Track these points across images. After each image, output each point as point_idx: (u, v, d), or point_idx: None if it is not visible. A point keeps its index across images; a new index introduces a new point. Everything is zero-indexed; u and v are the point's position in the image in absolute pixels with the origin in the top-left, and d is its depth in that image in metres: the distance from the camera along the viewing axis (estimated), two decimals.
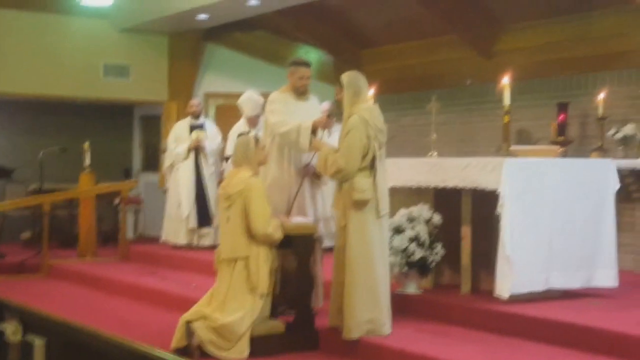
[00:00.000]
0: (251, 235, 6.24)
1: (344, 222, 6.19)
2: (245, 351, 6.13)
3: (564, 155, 8.62)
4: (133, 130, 14.91)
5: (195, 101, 11.32)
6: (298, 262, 6.44)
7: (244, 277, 6.23)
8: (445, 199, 7.27)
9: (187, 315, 6.25)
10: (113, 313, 8.12)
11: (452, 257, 7.15)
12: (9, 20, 12.23)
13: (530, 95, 9.69)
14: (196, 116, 11.13)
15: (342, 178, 6.17)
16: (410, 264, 6.90)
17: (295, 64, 7.14)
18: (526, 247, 6.49)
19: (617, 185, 7.06)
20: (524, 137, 9.79)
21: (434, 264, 6.99)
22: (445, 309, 6.74)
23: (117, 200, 12.38)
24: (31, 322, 4.55)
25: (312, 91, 7.30)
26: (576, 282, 6.82)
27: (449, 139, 10.53)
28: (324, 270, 6.95)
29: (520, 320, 6.17)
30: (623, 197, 7.35)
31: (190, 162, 10.90)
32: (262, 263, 6.25)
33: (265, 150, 6.63)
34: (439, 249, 6.96)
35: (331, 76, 12.12)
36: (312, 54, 12.43)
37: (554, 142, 9.20)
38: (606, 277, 6.93)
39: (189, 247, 10.79)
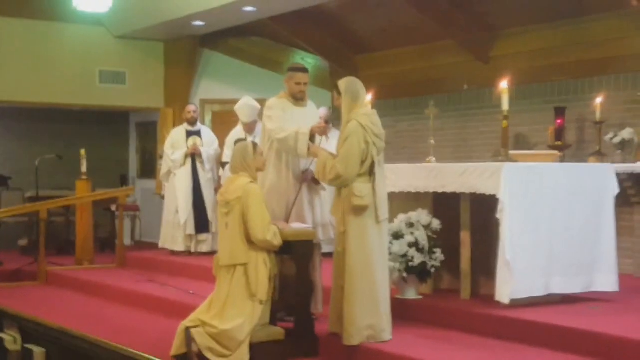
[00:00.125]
0: (250, 241, 6.21)
1: (343, 228, 6.17)
2: (245, 358, 6.08)
3: (562, 160, 8.63)
4: (129, 136, 14.90)
5: (192, 107, 11.30)
6: (297, 268, 6.42)
7: (243, 284, 6.19)
8: (443, 205, 7.26)
9: (186, 322, 6.22)
10: (111, 320, 8.08)
11: (451, 262, 7.14)
12: (4, 27, 12.23)
13: (527, 100, 9.70)
14: (193, 122, 11.12)
15: (341, 184, 6.16)
16: (410, 270, 6.89)
17: (292, 70, 7.11)
18: (526, 252, 6.48)
19: (617, 190, 7.06)
20: (521, 142, 9.80)
21: (433, 269, 6.98)
22: (445, 314, 6.73)
23: (114, 207, 12.36)
24: (31, 331, 4.53)
25: (309, 97, 7.28)
26: (576, 286, 6.82)
27: (446, 144, 10.53)
28: (323, 276, 6.95)
29: (520, 325, 6.15)
30: (621, 201, 7.35)
31: (187, 168, 10.89)
32: (262, 269, 6.21)
33: (264, 157, 6.61)
34: (439, 255, 6.95)
35: (327, 82, 12.16)
36: (308, 60, 12.44)
37: (552, 147, 9.20)
38: (606, 281, 6.92)
39: (187, 253, 10.77)
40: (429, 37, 10.90)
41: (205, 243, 10.81)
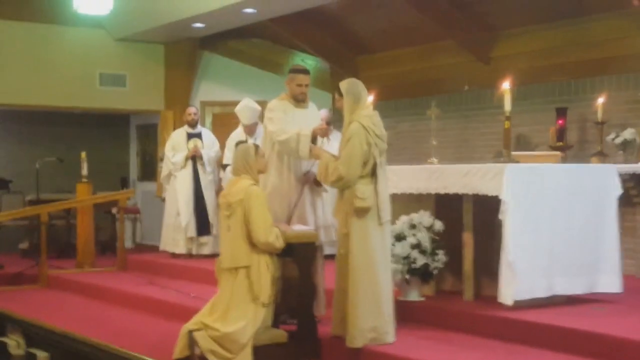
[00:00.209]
0: (252, 244, 6.20)
1: (346, 230, 6.15)
2: None
3: (563, 160, 8.61)
4: (129, 139, 14.88)
5: (193, 109, 11.28)
6: (300, 271, 6.40)
7: (245, 287, 6.17)
8: (445, 206, 7.24)
9: (189, 325, 6.20)
10: (113, 323, 8.07)
11: (453, 263, 7.11)
12: (4, 30, 12.22)
13: (529, 100, 9.69)
14: (193, 124, 11.10)
15: (343, 186, 6.14)
16: (412, 271, 6.87)
17: (293, 71, 7.09)
18: (529, 253, 6.46)
19: (620, 191, 7.04)
20: (523, 143, 9.78)
21: (436, 270, 6.95)
22: (448, 315, 6.71)
23: (114, 210, 12.34)
24: (34, 335, 4.50)
25: (309, 98, 7.26)
26: (580, 288, 6.79)
27: (447, 144, 10.51)
28: (325, 278, 6.92)
29: (524, 327, 6.13)
30: (624, 201, 7.32)
31: (188, 170, 10.86)
32: (264, 272, 6.19)
33: (265, 159, 6.59)
34: (441, 256, 6.93)
35: (327, 83, 12.15)
36: (309, 61, 12.42)
37: (553, 148, 9.18)
38: (610, 283, 6.90)
39: (188, 256, 10.75)
40: (429, 37, 10.89)
41: (206, 245, 10.79)
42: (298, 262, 6.41)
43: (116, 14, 11.46)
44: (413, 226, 6.98)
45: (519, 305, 6.41)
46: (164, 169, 11.12)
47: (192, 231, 10.72)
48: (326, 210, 7.03)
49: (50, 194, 12.36)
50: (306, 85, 6.96)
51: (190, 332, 6.12)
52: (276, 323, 6.43)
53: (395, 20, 10.96)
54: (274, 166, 6.81)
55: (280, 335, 6.30)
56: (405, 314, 6.74)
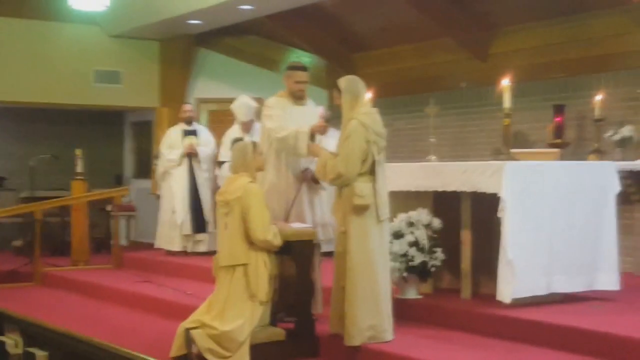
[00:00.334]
0: (250, 241, 6.17)
1: (344, 228, 6.11)
2: (246, 359, 6.04)
3: (561, 157, 8.58)
4: (124, 136, 14.82)
5: (189, 106, 11.24)
6: (298, 269, 6.37)
7: (243, 285, 6.15)
8: (443, 203, 7.21)
9: (186, 323, 6.17)
10: (109, 321, 8.03)
11: (450, 261, 7.08)
12: None
13: (526, 97, 9.64)
14: (189, 122, 11.05)
15: (342, 183, 6.10)
16: (410, 269, 6.83)
17: (291, 68, 7.06)
18: (528, 251, 6.44)
19: (618, 188, 7.02)
20: (520, 140, 9.74)
21: (434, 268, 6.92)
22: (446, 314, 6.68)
23: (109, 207, 12.29)
24: (32, 334, 4.45)
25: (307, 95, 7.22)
26: (578, 285, 6.77)
27: (444, 142, 10.48)
28: (322, 276, 6.88)
29: (523, 325, 6.10)
30: (622, 199, 7.30)
31: (184, 168, 10.82)
32: (262, 270, 6.17)
33: (263, 156, 6.55)
34: (439, 254, 6.90)
35: (323, 80, 12.10)
36: (305, 59, 12.36)
37: (551, 145, 9.17)
38: (608, 280, 6.88)
39: (184, 253, 10.70)
40: (427, 35, 10.85)
41: (202, 243, 10.74)
42: (296, 260, 6.38)
43: (111, 10, 11.39)
44: (411, 224, 6.95)
45: (517, 303, 6.38)
46: (160, 166, 11.07)
47: (187, 229, 10.67)
48: (324, 208, 7.01)
49: (44, 192, 12.31)
50: (304, 82, 6.94)
51: (188, 330, 6.09)
52: (273, 321, 6.40)
53: (392, 17, 10.92)
54: (271, 164, 6.79)
55: (278, 333, 6.28)
56: (403, 312, 6.70)
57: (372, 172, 6.09)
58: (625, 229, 8.30)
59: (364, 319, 6.00)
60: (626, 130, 8.67)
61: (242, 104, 9.97)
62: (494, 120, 9.97)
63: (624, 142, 8.68)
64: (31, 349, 4.34)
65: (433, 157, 7.66)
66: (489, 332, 6.27)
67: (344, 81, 6.26)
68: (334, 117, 6.79)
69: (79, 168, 11.34)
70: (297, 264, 6.39)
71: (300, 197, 6.81)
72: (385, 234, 6.25)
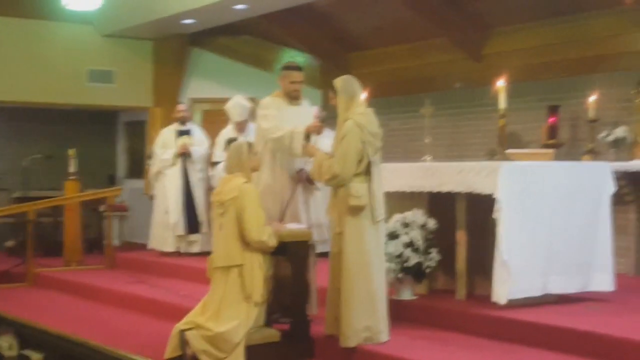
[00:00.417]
0: (245, 242, 6.14)
1: (340, 229, 6.09)
2: None
3: (555, 158, 8.57)
4: (117, 136, 14.77)
5: (183, 106, 11.21)
6: (293, 269, 6.34)
7: (238, 286, 6.12)
8: (438, 204, 7.20)
9: (180, 325, 6.14)
10: (103, 322, 7.98)
11: (445, 262, 7.07)
12: None
13: (520, 98, 9.62)
14: (183, 122, 11.02)
15: (338, 184, 6.08)
16: (406, 270, 6.82)
17: (287, 69, 7.03)
18: (523, 251, 6.43)
19: (613, 189, 7.02)
20: (514, 140, 9.72)
21: (429, 269, 6.91)
22: (441, 315, 6.67)
23: (102, 208, 12.25)
24: (27, 336, 4.41)
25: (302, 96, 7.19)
26: (573, 286, 6.77)
27: (438, 142, 10.45)
28: (317, 277, 6.87)
29: (518, 326, 6.09)
30: (616, 199, 7.29)
31: (177, 168, 10.78)
32: (257, 271, 6.14)
33: (258, 156, 6.53)
34: (434, 255, 6.88)
35: (317, 80, 12.07)
36: (300, 58, 12.33)
37: (545, 145, 9.17)
38: (603, 281, 6.89)
39: (177, 254, 10.67)
40: (421, 35, 10.84)
41: (196, 244, 10.71)
42: (291, 261, 6.35)
43: (104, 9, 11.37)
44: (406, 225, 6.94)
45: (512, 304, 6.38)
46: (154, 166, 11.03)
47: (181, 229, 10.64)
48: (319, 208, 6.99)
49: (37, 192, 12.26)
50: (300, 83, 6.92)
51: (182, 331, 6.07)
52: (268, 322, 6.37)
53: (387, 17, 10.91)
54: (266, 164, 6.77)
55: (273, 334, 6.26)
56: (398, 313, 6.68)
57: (367, 172, 6.07)
58: (619, 229, 8.29)
59: (360, 320, 5.98)
60: (620, 131, 8.69)
61: (236, 104, 9.94)
62: (489, 120, 9.97)
63: (617, 143, 8.69)
64: (26, 352, 4.30)
65: (429, 158, 7.64)
66: (484, 333, 6.26)
67: (339, 81, 6.23)
68: (329, 117, 6.76)
69: (72, 168, 11.29)
70: (292, 264, 6.36)
71: (295, 198, 6.79)
72: (381, 235, 6.23)
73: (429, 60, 11.02)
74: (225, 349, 5.99)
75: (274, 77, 10.41)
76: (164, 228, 10.72)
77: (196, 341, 6.00)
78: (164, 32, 12.46)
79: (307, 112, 7.09)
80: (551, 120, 9.24)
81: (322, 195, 7.09)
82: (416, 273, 6.89)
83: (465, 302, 6.85)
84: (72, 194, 11.23)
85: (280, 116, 6.77)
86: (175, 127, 11.02)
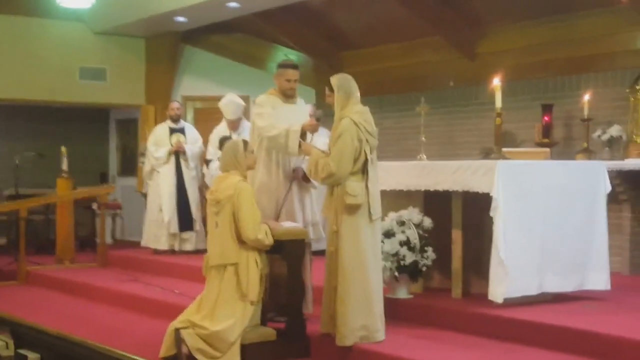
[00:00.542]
0: (241, 241, 6.12)
1: (336, 227, 6.07)
2: (236, 359, 5.99)
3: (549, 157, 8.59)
4: (109, 134, 14.72)
5: (176, 104, 11.17)
6: (289, 268, 6.33)
7: (233, 284, 6.09)
8: (434, 203, 7.19)
9: (175, 323, 6.11)
10: (96, 321, 7.95)
11: (440, 261, 7.06)
12: None
13: (514, 97, 9.64)
14: (176, 119, 10.98)
15: (334, 182, 6.06)
16: (401, 269, 6.81)
17: (282, 66, 7.00)
18: (520, 250, 6.42)
19: (609, 188, 7.03)
20: (508, 139, 9.74)
21: (425, 268, 6.90)
22: (438, 313, 6.66)
23: (95, 205, 12.20)
24: (23, 335, 4.37)
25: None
26: (569, 285, 6.78)
27: (432, 141, 10.39)
28: (313, 275, 6.85)
29: (515, 325, 6.09)
30: (610, 198, 7.30)
31: (170, 166, 10.74)
32: (252, 269, 6.12)
33: (254, 155, 6.50)
34: (430, 253, 6.87)
35: (310, 78, 12.04)
36: (291, 56, 12.31)
37: (539, 144, 9.18)
38: (598, 280, 6.89)
39: (170, 252, 10.63)
40: (415, 33, 10.82)
41: (189, 242, 10.68)
42: (287, 260, 6.33)
43: (96, 7, 11.31)
44: (402, 223, 6.92)
45: (508, 303, 6.37)
46: (147, 164, 10.99)
47: (174, 227, 10.60)
48: (314, 207, 6.96)
49: (29, 189, 12.20)
50: (295, 81, 6.89)
51: (177, 330, 6.04)
52: (264, 320, 6.35)
53: (380, 15, 10.89)
54: (262, 162, 6.73)
55: (269, 333, 6.24)
56: (394, 311, 6.67)
57: (364, 171, 6.05)
58: (613, 228, 8.30)
59: (356, 319, 5.96)
60: (614, 130, 8.70)
61: (230, 101, 9.90)
62: (483, 119, 9.98)
63: (612, 142, 8.71)
64: (23, 351, 4.27)
65: (424, 156, 7.62)
66: (481, 332, 6.25)
67: (336, 79, 6.21)
68: (324, 115, 6.73)
69: (65, 166, 11.24)
70: (287, 263, 6.34)
71: (290, 196, 6.76)
72: (377, 234, 6.21)
73: (423, 59, 11.01)
74: (220, 347, 5.97)
75: (266, 75, 10.38)
76: (158, 226, 10.69)
77: (192, 340, 5.98)
78: (157, 29, 12.43)
79: (302, 110, 7.07)
80: (545, 119, 9.24)
81: (317, 193, 7.07)
82: (412, 272, 6.88)
83: (461, 301, 6.84)
84: (64, 192, 11.18)
85: (276, 114, 6.73)
86: (168, 124, 10.98)
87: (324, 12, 11.50)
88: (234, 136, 9.51)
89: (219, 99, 10.11)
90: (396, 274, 6.81)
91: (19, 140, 13.52)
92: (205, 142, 10.56)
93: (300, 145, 6.47)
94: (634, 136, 8.62)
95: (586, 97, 8.84)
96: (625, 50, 8.88)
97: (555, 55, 9.56)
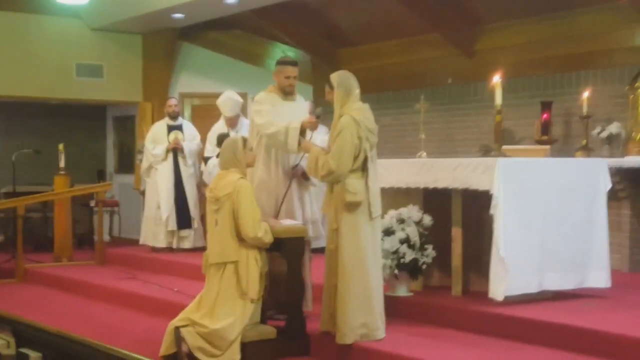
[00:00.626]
0: (241, 238, 6.09)
1: (336, 225, 6.05)
2: (236, 357, 5.98)
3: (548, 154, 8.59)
4: (106, 131, 14.69)
5: (174, 101, 11.14)
6: (288, 266, 6.31)
7: (233, 282, 6.07)
8: (433, 200, 7.17)
9: (175, 321, 6.09)
10: (95, 319, 7.92)
11: (440, 258, 7.05)
12: None
13: (513, 94, 9.62)
14: (174, 117, 10.95)
15: (334, 180, 6.04)
16: (401, 266, 6.79)
17: (281, 63, 6.98)
18: (520, 248, 6.41)
19: (609, 185, 7.02)
20: (507, 137, 9.72)
21: (425, 265, 6.88)
22: (438, 311, 6.64)
23: (92, 203, 12.17)
24: (25, 334, 4.35)
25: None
26: (569, 283, 6.77)
27: (430, 138, 10.37)
28: (312, 273, 6.83)
29: (515, 323, 6.08)
30: (610, 196, 7.29)
31: (168, 163, 10.72)
32: (252, 267, 6.10)
33: (253, 152, 6.48)
34: (430, 251, 6.86)
35: (309, 76, 12.02)
36: (289, 53, 12.29)
37: (538, 142, 9.17)
38: (599, 278, 6.89)
39: (168, 249, 10.61)
40: (413, 30, 10.80)
41: (187, 239, 10.66)
42: (287, 257, 6.32)
43: (93, 3, 11.29)
44: (402, 221, 6.91)
45: (508, 301, 6.35)
46: (145, 161, 10.96)
47: (172, 224, 10.58)
48: (314, 204, 6.95)
49: (26, 187, 12.17)
50: (294, 78, 6.87)
51: (177, 328, 6.02)
52: (263, 319, 6.34)
53: (378, 12, 10.87)
54: (261, 160, 6.71)
55: (269, 331, 6.22)
56: (394, 309, 6.65)
57: (364, 168, 6.03)
58: (613, 225, 8.27)
59: (356, 316, 5.94)
60: (613, 127, 8.69)
61: (228, 98, 9.87)
62: (481, 116, 9.97)
63: (611, 139, 8.70)
64: (24, 350, 4.24)
65: (424, 153, 7.61)
66: (481, 330, 6.24)
67: (336, 76, 6.19)
68: (324, 113, 6.71)
69: (62, 163, 11.20)
70: (287, 261, 6.32)
71: (290, 194, 6.74)
72: (378, 231, 6.20)
73: (421, 56, 10.99)
74: (220, 345, 5.96)
75: (264, 72, 10.34)
76: (156, 223, 10.66)
77: (192, 338, 5.96)
78: (154, 26, 12.39)
79: (301, 107, 7.05)
80: (544, 116, 9.23)
81: (316, 191, 7.05)
82: (412, 269, 6.86)
83: (461, 299, 6.83)
84: (61, 189, 11.15)
85: (275, 111, 6.71)
86: (166, 122, 10.95)
87: (322, 9, 11.48)
88: (232, 133, 9.49)
89: (216, 96, 10.09)
90: (396, 271, 6.80)
91: (16, 137, 13.47)
92: (203, 140, 10.53)
93: (299, 143, 6.45)
94: (633, 133, 8.61)
95: (585, 94, 8.82)
96: (624, 47, 8.87)
97: (554, 53, 9.55)
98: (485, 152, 8.22)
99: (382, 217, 6.71)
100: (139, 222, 11.25)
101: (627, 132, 8.69)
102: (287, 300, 6.34)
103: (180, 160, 10.74)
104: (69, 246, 11.17)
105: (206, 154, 10.24)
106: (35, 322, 4.83)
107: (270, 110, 6.73)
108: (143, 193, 11.37)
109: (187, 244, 10.63)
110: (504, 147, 7.07)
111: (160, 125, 10.97)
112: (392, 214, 6.97)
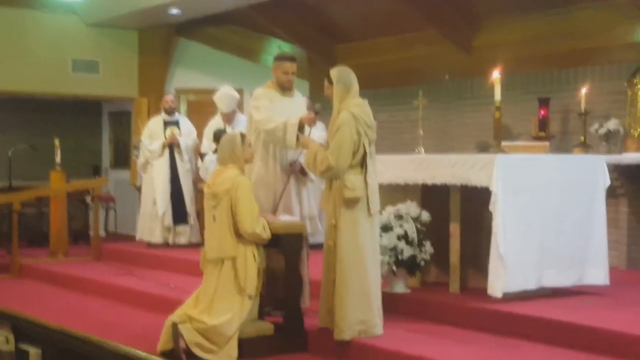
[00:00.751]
0: (239, 234, 6.08)
1: (334, 221, 6.03)
2: (234, 353, 5.97)
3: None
4: (102, 126, 14.65)
5: (170, 97, 11.09)
6: (286, 262, 6.29)
7: (231, 278, 6.06)
8: (431, 196, 7.16)
9: (173, 317, 6.07)
10: (91, 314, 7.91)
11: (438, 255, 7.03)
12: None
13: (511, 90, 9.59)
14: (170, 112, 10.91)
15: (333, 176, 6.02)
16: (399, 263, 6.77)
17: (280, 59, 6.96)
18: (519, 245, 6.39)
19: (608, 182, 7.01)
20: (504, 133, 9.65)
21: (423, 262, 6.86)
22: (436, 308, 6.63)
23: (88, 198, 12.14)
24: (24, 330, 4.32)
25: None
26: (568, 280, 6.75)
27: (427, 134, 10.36)
28: (310, 269, 6.81)
29: (514, 320, 6.07)
30: (607, 193, 7.29)
31: (165, 159, 10.67)
32: (250, 263, 6.08)
33: (252, 148, 6.45)
34: (428, 247, 6.84)
35: (305, 71, 11.98)
36: (285, 49, 12.27)
37: (535, 138, 9.15)
38: (597, 275, 6.87)
39: (164, 245, 10.57)
40: (410, 26, 10.78)
41: (183, 235, 10.62)
42: (285, 254, 6.30)
43: None
44: (400, 217, 6.88)
45: (506, 298, 6.35)
46: (141, 157, 10.92)
47: (168, 220, 10.54)
48: (312, 200, 6.93)
49: (21, 182, 12.14)
50: (293, 73, 6.85)
51: (175, 324, 5.99)
52: (261, 315, 6.32)
53: (375, 8, 10.84)
54: (259, 156, 6.69)
55: (266, 327, 6.21)
56: (392, 305, 6.63)
57: (362, 164, 6.01)
58: (610, 222, 8.25)
59: (354, 313, 5.93)
60: (612, 124, 8.68)
61: (225, 94, 9.83)
62: (478, 113, 9.95)
63: (609, 136, 8.69)
64: (24, 346, 4.22)
65: (422, 150, 7.59)
66: (479, 326, 6.23)
67: (336, 71, 6.15)
68: (323, 109, 6.69)
69: (58, 158, 11.16)
70: (285, 257, 6.30)
71: (288, 190, 6.72)
72: (376, 228, 6.18)
73: (418, 52, 10.97)
74: (218, 341, 5.94)
75: (260, 68, 10.31)
76: (152, 219, 10.62)
77: (189, 334, 5.94)
78: (150, 21, 12.36)
79: (299, 103, 7.03)
80: (542, 112, 9.22)
81: (314, 187, 7.04)
82: (410, 266, 6.83)
83: (459, 295, 6.81)
84: (57, 184, 11.11)
85: (273, 107, 6.69)
86: (162, 117, 10.91)
87: (319, 5, 11.46)
88: (229, 129, 9.47)
89: (212, 91, 10.06)
90: (394, 268, 6.77)
91: (11, 132, 13.41)
92: (200, 135, 10.50)
93: (298, 139, 6.43)
94: (632, 130, 8.61)
95: (583, 91, 8.82)
96: (623, 44, 8.86)
97: (552, 49, 9.53)
98: (482, 148, 8.21)
99: (380, 213, 6.70)
100: (134, 218, 11.22)
101: (625, 128, 8.68)
102: (285, 296, 6.32)
103: (177, 155, 10.70)
104: (65, 242, 11.13)
105: (202, 150, 10.21)
106: (35, 318, 4.80)
107: (268, 106, 6.71)
108: (139, 189, 11.33)
109: (183, 240, 10.59)
110: (503, 143, 7.05)
111: (157, 121, 10.93)
112: (390, 210, 6.95)
